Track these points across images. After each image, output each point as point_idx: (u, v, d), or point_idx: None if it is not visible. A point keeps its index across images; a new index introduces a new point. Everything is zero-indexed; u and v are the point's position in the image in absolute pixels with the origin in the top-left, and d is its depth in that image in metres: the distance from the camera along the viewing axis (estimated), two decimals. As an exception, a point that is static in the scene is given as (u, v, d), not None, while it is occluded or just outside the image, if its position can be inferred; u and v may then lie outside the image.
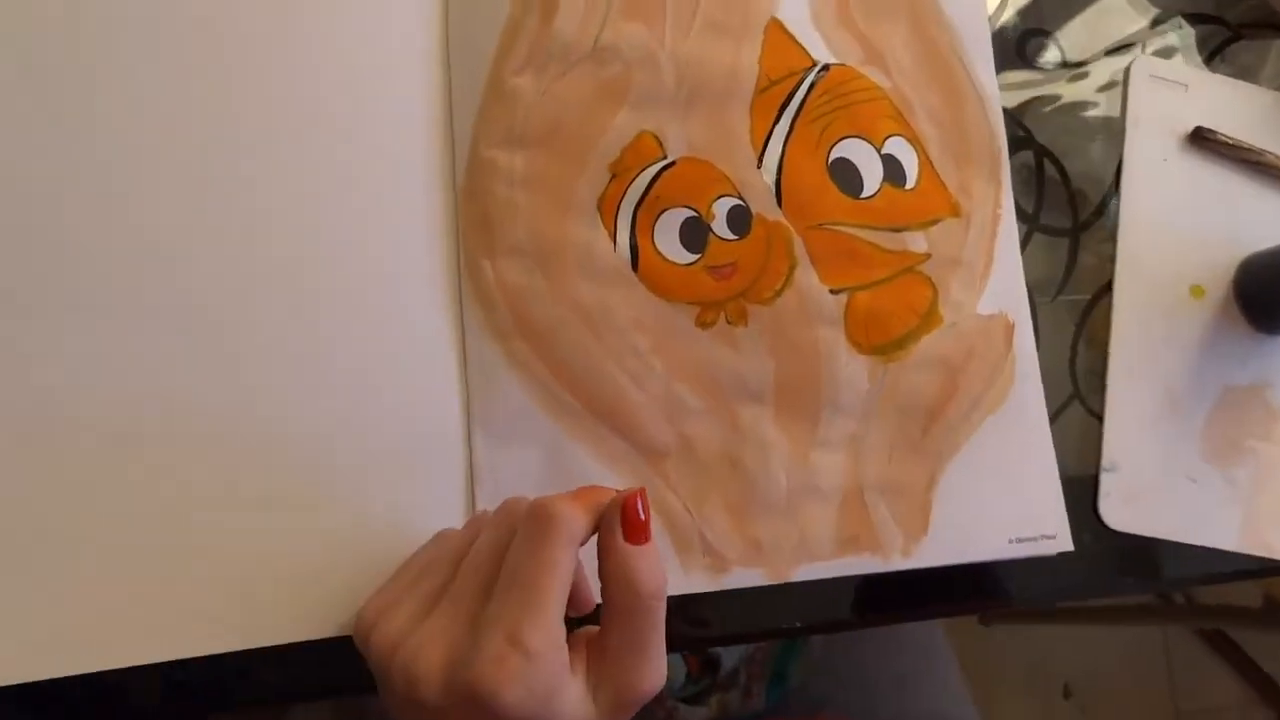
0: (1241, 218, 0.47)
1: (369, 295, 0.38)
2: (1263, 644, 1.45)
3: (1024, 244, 0.45)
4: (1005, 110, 0.45)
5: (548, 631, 0.28)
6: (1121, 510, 0.43)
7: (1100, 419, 0.44)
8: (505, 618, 0.28)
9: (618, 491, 0.31)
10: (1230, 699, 1.51)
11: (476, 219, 0.39)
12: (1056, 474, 0.42)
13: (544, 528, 0.29)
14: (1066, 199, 0.46)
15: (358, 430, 0.37)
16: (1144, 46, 0.48)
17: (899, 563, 0.40)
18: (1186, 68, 0.48)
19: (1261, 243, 0.46)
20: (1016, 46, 0.47)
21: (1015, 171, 0.45)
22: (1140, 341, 0.45)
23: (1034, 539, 0.41)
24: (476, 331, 0.38)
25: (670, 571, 0.38)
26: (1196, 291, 0.46)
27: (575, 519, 0.29)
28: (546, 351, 0.38)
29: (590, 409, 0.38)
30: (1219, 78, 0.49)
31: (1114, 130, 0.47)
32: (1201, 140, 0.47)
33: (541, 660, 0.27)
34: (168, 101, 0.37)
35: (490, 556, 0.30)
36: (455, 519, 0.37)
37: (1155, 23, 0.49)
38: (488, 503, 0.37)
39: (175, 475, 0.35)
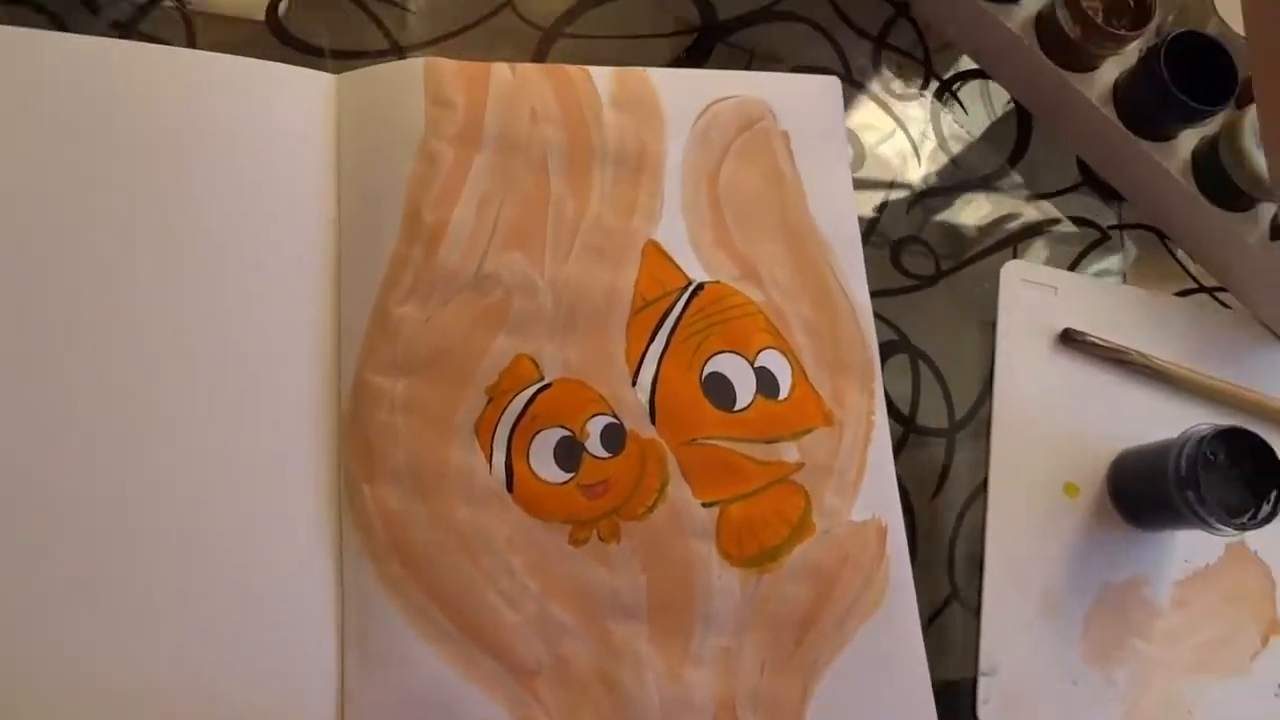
0: (1112, 415, 0.49)
1: (247, 522, 0.39)
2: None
3: (901, 445, 0.47)
4: (880, 315, 0.48)
5: None
6: (1001, 716, 0.44)
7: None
8: None
9: None
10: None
11: (358, 444, 0.40)
12: (928, 682, 0.42)
13: None
14: (943, 399, 0.48)
15: (228, 660, 0.37)
16: (1016, 250, 0.51)
17: (772, 780, 0.40)
18: (1056, 271, 0.51)
19: (1132, 440, 0.48)
20: (891, 254, 0.50)
21: (892, 374, 0.47)
22: (1016, 541, 0.46)
23: (907, 751, 0.41)
24: (354, 556, 0.39)
25: (540, 799, 0.38)
26: (1071, 489, 0.47)
27: None
28: (422, 575, 0.39)
29: (463, 631, 0.39)
30: (1086, 278, 0.51)
31: (988, 331, 0.49)
32: (1071, 341, 0.49)
33: None
34: (60, 314, 0.39)
35: None
36: (325, 745, 0.38)
37: (1026, 228, 0.52)
38: (359, 727, 0.38)
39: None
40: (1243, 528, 0.43)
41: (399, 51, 0.48)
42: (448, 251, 0.42)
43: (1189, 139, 0.51)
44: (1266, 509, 0.43)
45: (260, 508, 0.39)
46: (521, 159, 0.44)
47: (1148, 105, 0.50)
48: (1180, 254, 0.54)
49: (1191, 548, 0.48)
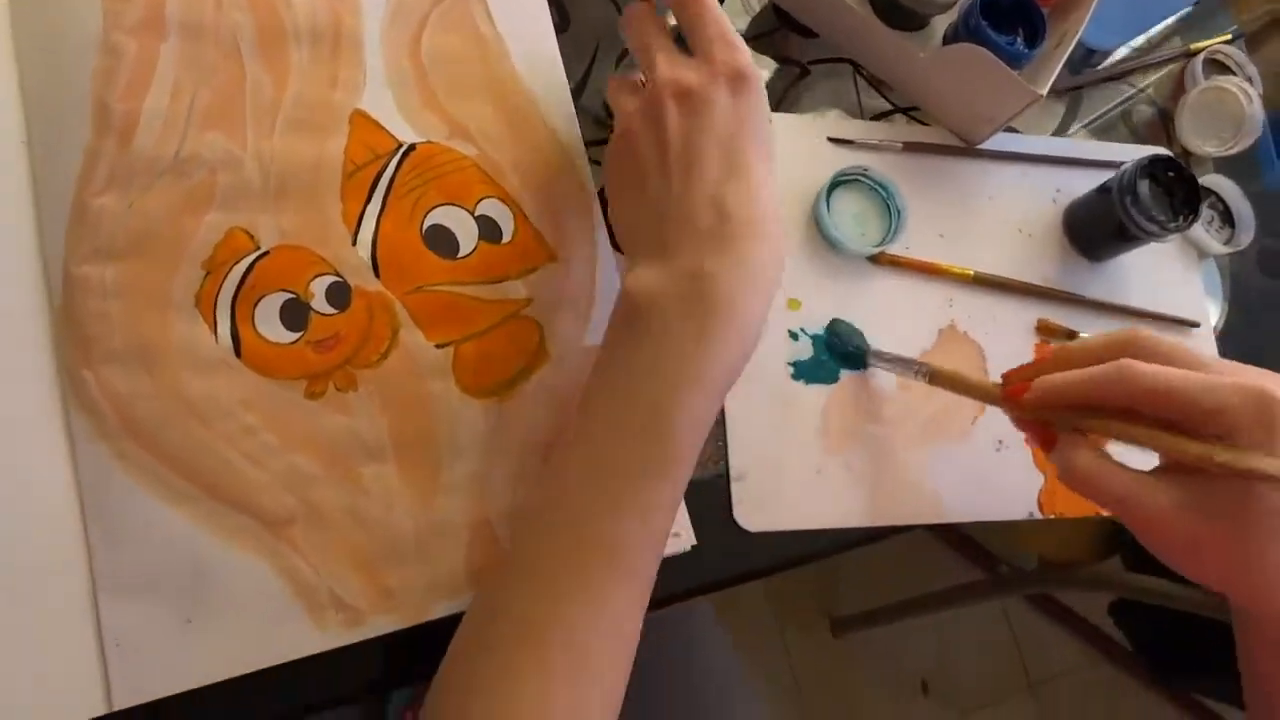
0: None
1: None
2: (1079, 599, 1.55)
3: (633, 277, 0.50)
4: (599, 162, 0.50)
5: None
6: (755, 514, 0.47)
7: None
8: None
9: None
10: (1075, 659, 1.60)
11: (74, 335, 0.40)
12: (674, 477, 0.46)
13: None
14: (668, 232, 0.51)
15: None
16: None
17: (534, 583, 0.43)
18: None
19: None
20: (605, 108, 0.52)
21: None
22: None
23: (660, 539, 0.45)
24: (85, 441, 0.40)
25: (306, 633, 0.40)
26: (792, 304, 0.52)
27: None
28: (157, 446, 0.40)
29: (209, 493, 0.40)
30: (789, 116, 0.55)
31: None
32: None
33: None
34: None
35: None
36: (82, 626, 0.38)
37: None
38: (113, 602, 0.38)
39: None
40: (1177, 229, 0.53)
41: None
42: (142, 140, 0.42)
43: (863, -29, 0.56)
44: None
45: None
46: (211, 45, 0.44)
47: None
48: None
49: (908, 338, 0.53)
